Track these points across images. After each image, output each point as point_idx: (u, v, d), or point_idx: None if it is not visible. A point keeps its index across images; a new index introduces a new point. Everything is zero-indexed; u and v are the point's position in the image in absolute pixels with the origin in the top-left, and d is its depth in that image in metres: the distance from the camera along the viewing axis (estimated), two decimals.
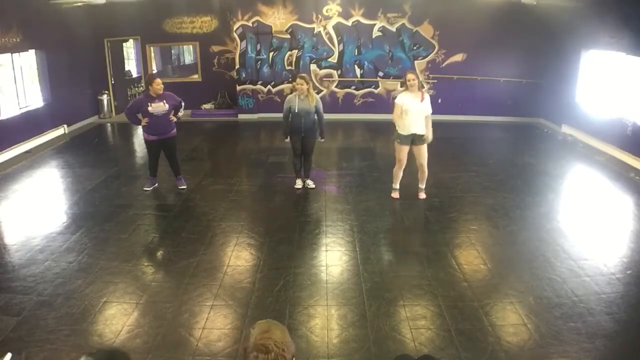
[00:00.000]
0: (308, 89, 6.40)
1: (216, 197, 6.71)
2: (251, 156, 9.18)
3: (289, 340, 1.70)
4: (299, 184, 6.98)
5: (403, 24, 11.29)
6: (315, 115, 6.53)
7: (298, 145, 6.70)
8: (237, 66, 11.77)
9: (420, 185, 6.54)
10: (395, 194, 6.54)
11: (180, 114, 6.67)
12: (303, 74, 6.69)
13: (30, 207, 6.36)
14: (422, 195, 6.52)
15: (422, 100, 6.00)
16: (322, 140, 6.86)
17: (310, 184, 6.97)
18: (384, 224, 5.86)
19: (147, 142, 6.72)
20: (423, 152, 6.25)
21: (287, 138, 6.73)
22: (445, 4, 10.85)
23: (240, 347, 3.53)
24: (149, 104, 6.36)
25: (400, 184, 6.54)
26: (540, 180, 7.39)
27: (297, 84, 6.38)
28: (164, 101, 6.41)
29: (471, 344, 3.62)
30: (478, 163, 8.21)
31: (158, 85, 6.37)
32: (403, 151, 6.24)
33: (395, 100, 6.12)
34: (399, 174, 6.45)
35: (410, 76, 5.97)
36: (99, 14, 11.06)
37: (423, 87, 6.05)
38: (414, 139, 6.16)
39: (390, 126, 6.45)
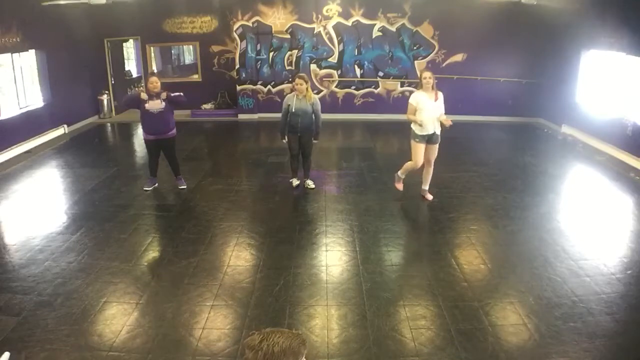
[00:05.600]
0: (306, 89, 6.42)
1: (216, 197, 6.70)
2: (251, 156, 9.18)
3: (289, 354, 1.63)
4: (295, 182, 6.98)
5: (403, 24, 11.29)
6: (313, 115, 6.53)
7: (294, 145, 6.69)
8: (237, 66, 11.77)
9: (424, 187, 6.50)
10: (399, 185, 6.47)
11: (177, 95, 6.49)
12: (302, 74, 6.72)
13: (30, 207, 6.36)
14: (429, 197, 6.46)
15: (435, 100, 5.98)
16: (316, 141, 6.81)
17: (310, 184, 6.96)
18: (384, 224, 5.86)
19: (145, 141, 6.72)
20: (435, 150, 6.24)
21: (284, 139, 6.71)
22: (445, 4, 10.85)
23: (237, 348, 3.53)
24: (147, 100, 6.38)
25: (403, 183, 6.52)
26: (540, 180, 7.39)
27: (297, 84, 6.39)
28: (161, 99, 6.41)
29: (471, 344, 3.62)
30: (478, 163, 8.21)
31: (151, 83, 6.39)
32: (420, 150, 6.12)
33: (409, 99, 6.08)
34: (409, 170, 6.35)
35: (425, 74, 5.94)
36: (99, 14, 11.05)
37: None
38: (430, 138, 6.12)
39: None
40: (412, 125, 6.13)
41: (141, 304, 4.16)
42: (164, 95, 6.41)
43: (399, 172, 6.48)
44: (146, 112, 6.41)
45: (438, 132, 6.10)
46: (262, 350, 1.62)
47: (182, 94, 6.62)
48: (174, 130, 6.71)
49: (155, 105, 6.39)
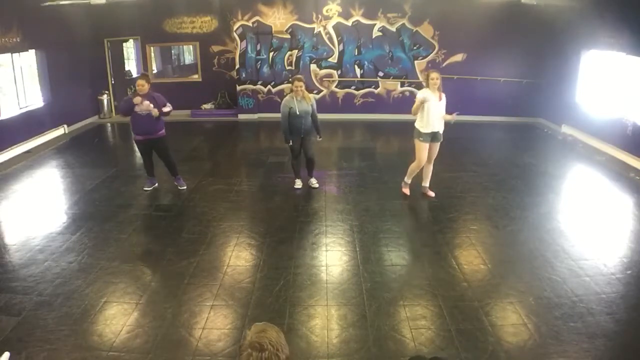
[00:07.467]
0: (304, 90, 6.46)
1: (216, 197, 6.70)
2: (251, 156, 9.18)
3: (284, 342, 1.74)
4: (298, 184, 6.98)
5: (403, 24, 11.29)
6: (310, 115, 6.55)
7: (297, 147, 6.69)
8: (237, 66, 11.77)
9: (424, 184, 6.57)
10: (406, 190, 6.56)
11: (163, 109, 6.45)
12: (300, 76, 6.73)
13: (30, 207, 6.36)
14: (431, 193, 6.54)
15: (440, 100, 6.11)
16: (320, 139, 6.87)
17: (314, 183, 6.96)
18: (384, 224, 5.85)
19: (136, 142, 6.73)
20: (436, 148, 6.36)
21: (289, 142, 6.63)
22: (445, 4, 10.85)
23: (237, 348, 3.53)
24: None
25: (409, 188, 6.58)
26: (540, 180, 7.39)
27: (298, 86, 6.39)
28: (149, 102, 6.39)
29: (471, 344, 3.62)
30: (478, 163, 8.21)
31: (138, 85, 6.40)
32: (424, 149, 6.25)
33: (418, 95, 6.19)
34: (415, 171, 6.47)
35: (433, 75, 6.04)
36: (99, 14, 11.06)
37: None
38: (435, 136, 6.24)
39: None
40: (417, 124, 6.24)
41: (141, 304, 4.16)
42: (157, 111, 6.36)
43: (405, 178, 6.58)
44: (135, 114, 6.41)
45: (441, 130, 6.24)
46: (267, 350, 1.69)
47: (167, 108, 6.50)
48: (163, 131, 6.67)
49: (144, 107, 6.38)
